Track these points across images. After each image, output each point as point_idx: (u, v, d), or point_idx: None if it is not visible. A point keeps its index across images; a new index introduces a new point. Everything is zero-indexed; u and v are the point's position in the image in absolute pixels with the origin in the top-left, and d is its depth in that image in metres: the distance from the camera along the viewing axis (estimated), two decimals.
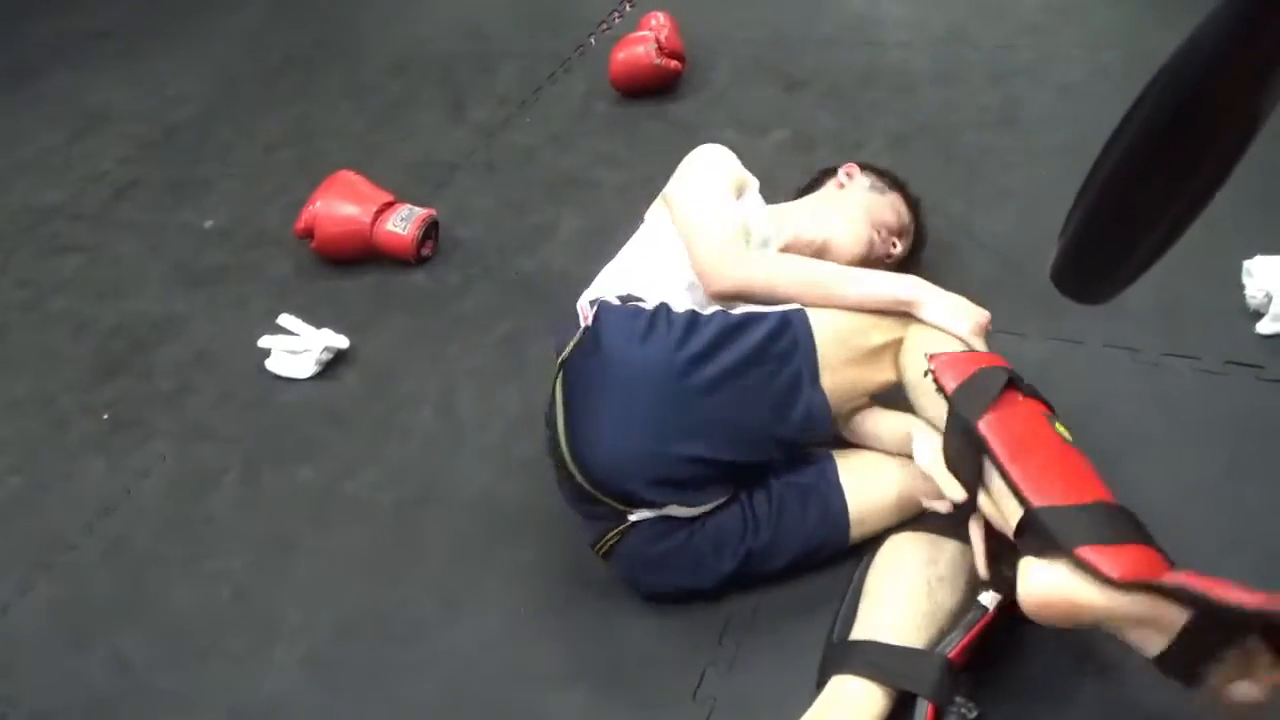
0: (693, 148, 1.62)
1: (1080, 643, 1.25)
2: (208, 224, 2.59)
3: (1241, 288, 1.65)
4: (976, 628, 1.20)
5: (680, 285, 1.44)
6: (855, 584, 1.29)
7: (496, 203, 2.42)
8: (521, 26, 3.33)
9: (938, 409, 1.24)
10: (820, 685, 1.20)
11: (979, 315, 1.34)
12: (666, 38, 2.64)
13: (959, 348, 1.29)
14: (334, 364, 2.01)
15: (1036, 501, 1.07)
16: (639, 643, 1.39)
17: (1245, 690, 0.98)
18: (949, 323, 1.32)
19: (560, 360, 1.37)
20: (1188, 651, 0.99)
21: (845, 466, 1.38)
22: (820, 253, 1.63)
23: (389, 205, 2.25)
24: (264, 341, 2.03)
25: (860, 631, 1.22)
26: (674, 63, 2.64)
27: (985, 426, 1.14)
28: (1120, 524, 1.06)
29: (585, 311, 1.38)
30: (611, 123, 2.63)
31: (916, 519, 1.32)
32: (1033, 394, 1.21)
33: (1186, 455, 1.44)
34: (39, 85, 3.54)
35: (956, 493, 1.18)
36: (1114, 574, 1.00)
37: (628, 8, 3.17)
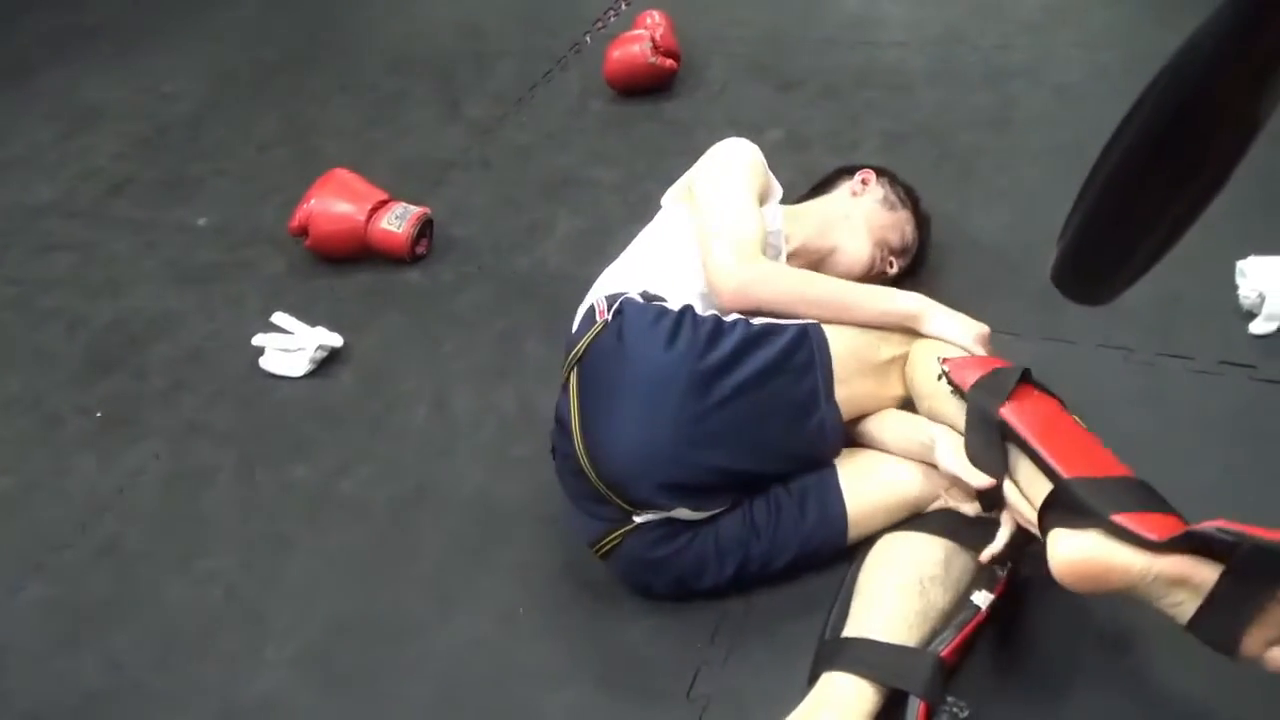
0: (689, 146, 1.63)
1: (1073, 642, 1.26)
2: (201, 222, 2.58)
3: (1235, 288, 1.65)
4: (969, 627, 1.21)
5: (698, 289, 1.43)
6: (848, 583, 1.29)
7: (492, 201, 2.41)
8: (517, 25, 3.32)
9: (951, 414, 1.26)
10: (812, 683, 1.20)
11: (980, 328, 1.37)
12: (662, 36, 2.64)
13: (959, 354, 1.32)
14: (328, 362, 2.00)
15: (1067, 473, 1.09)
16: (633, 642, 1.39)
17: None
18: (952, 335, 1.35)
19: (575, 355, 1.36)
20: (1223, 609, 0.99)
21: (844, 469, 1.38)
22: (824, 262, 1.64)
23: (384, 203, 2.24)
24: (258, 340, 2.02)
25: (852, 629, 1.22)
26: (669, 61, 2.64)
27: (1008, 412, 1.17)
28: (1147, 495, 1.09)
29: (601, 306, 1.38)
30: (607, 121, 2.63)
31: (914, 518, 1.33)
32: (1045, 389, 1.23)
33: (1180, 455, 1.44)
34: (32, 81, 3.53)
35: (982, 480, 1.19)
36: (1152, 535, 1.01)
37: (623, 6, 3.16)
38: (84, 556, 1.70)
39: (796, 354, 1.31)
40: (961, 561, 1.26)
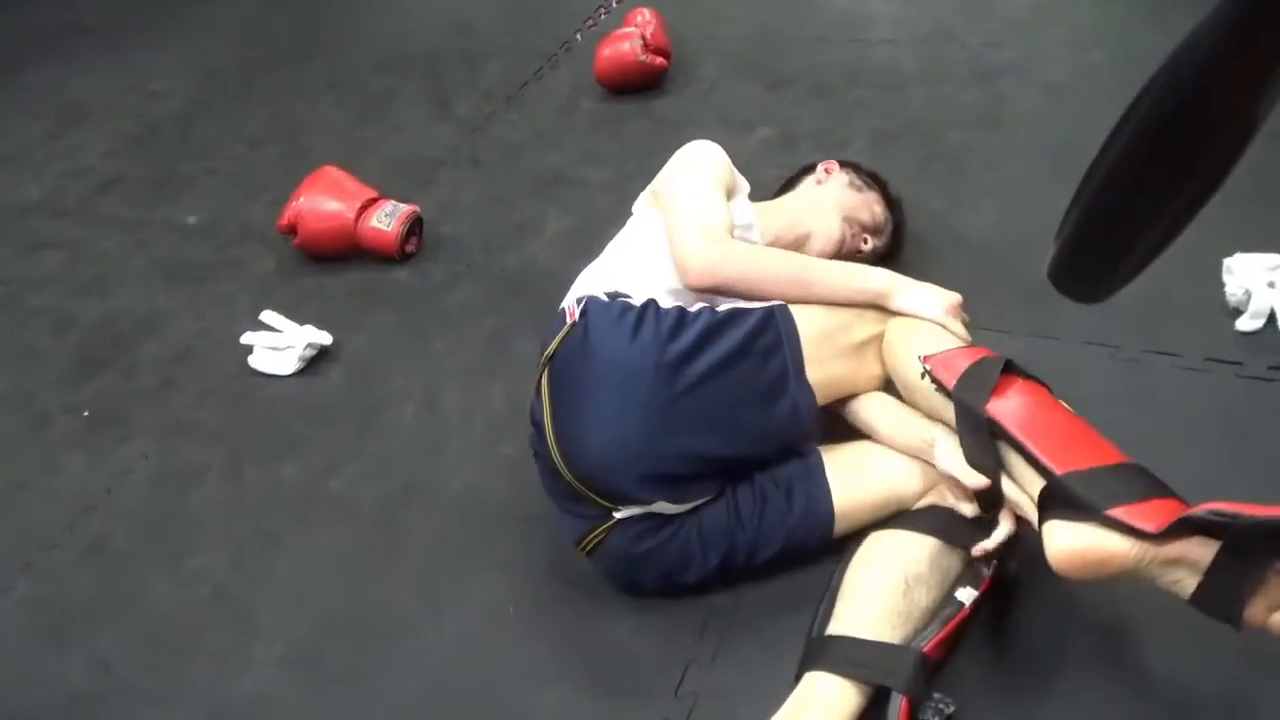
0: (678, 144, 1.62)
1: (1059, 639, 1.26)
2: (190, 220, 2.57)
3: (1221, 285, 1.66)
4: (953, 623, 1.21)
5: (665, 286, 1.44)
6: (834, 581, 1.29)
7: (481, 199, 2.41)
8: (507, 23, 3.32)
9: (939, 408, 1.27)
10: (797, 682, 1.20)
11: (950, 298, 1.38)
12: (652, 34, 2.64)
13: (940, 335, 1.32)
14: (317, 361, 2.00)
15: (1060, 469, 1.10)
16: (621, 639, 1.39)
17: None
18: (921, 308, 1.36)
19: (546, 356, 1.36)
20: (1223, 582, 1.01)
21: (831, 461, 1.38)
22: (795, 248, 1.64)
23: (373, 201, 2.24)
24: (246, 338, 2.02)
25: (836, 628, 1.22)
26: (659, 59, 2.64)
27: (994, 410, 1.18)
28: (1142, 481, 1.09)
29: (571, 309, 1.38)
30: (597, 119, 2.63)
31: (899, 517, 1.33)
32: (1029, 376, 1.24)
33: (1166, 452, 1.43)
34: (19, 78, 3.51)
35: (979, 481, 1.19)
36: (1150, 528, 1.03)
37: (614, 4, 3.16)
38: (72, 556, 1.69)
39: (762, 336, 1.31)
40: (948, 560, 1.26)
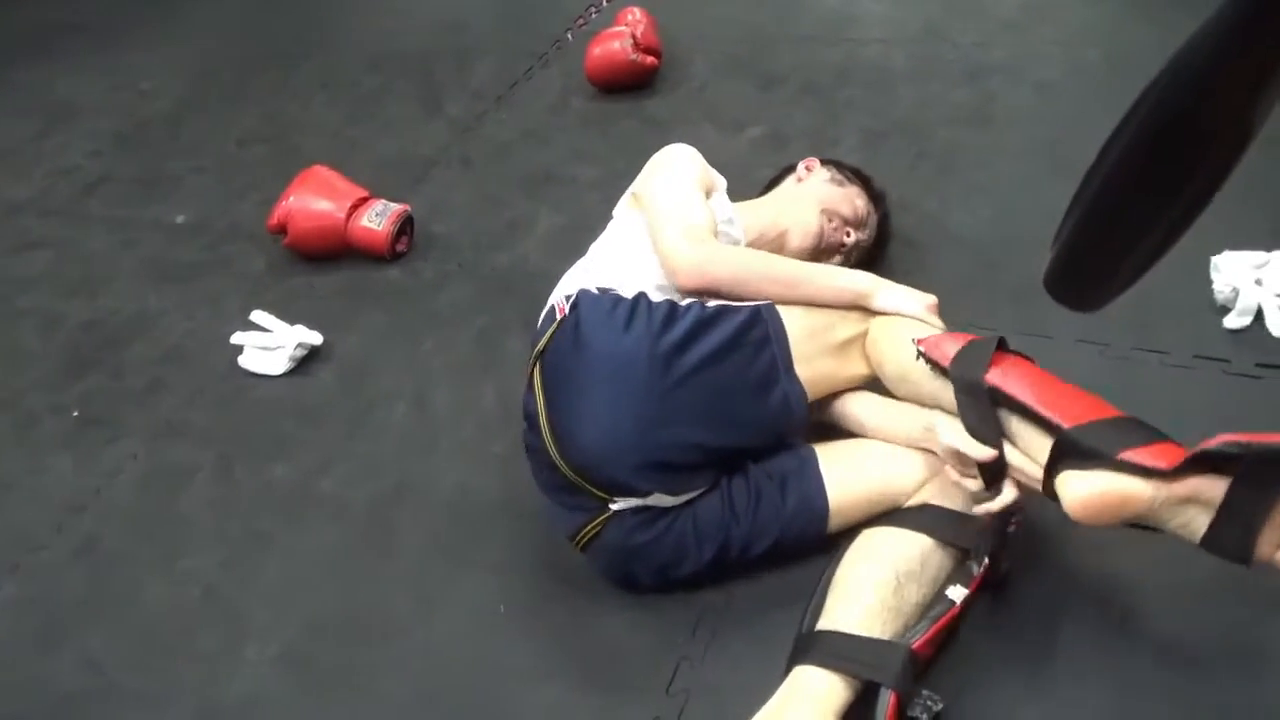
0: (669, 144, 1.63)
1: (1048, 637, 1.27)
2: (179, 219, 2.56)
3: (1209, 283, 1.67)
4: (942, 620, 1.21)
5: (652, 282, 1.45)
6: (826, 577, 1.29)
7: (472, 198, 2.41)
8: (498, 22, 3.32)
9: (935, 394, 1.28)
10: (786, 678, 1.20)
11: (929, 298, 1.41)
12: (643, 33, 2.64)
13: (922, 327, 1.35)
14: (308, 360, 1.99)
15: (1068, 423, 1.13)
16: (613, 637, 1.39)
17: None
18: (901, 307, 1.39)
19: (537, 351, 1.37)
20: (1234, 519, 1.03)
21: (826, 457, 1.39)
22: (778, 244, 1.66)
23: (363, 201, 2.23)
24: (236, 338, 2.01)
25: (825, 623, 1.22)
26: (650, 59, 2.64)
27: (993, 378, 1.20)
28: (1145, 429, 1.12)
29: (561, 304, 1.39)
30: (588, 118, 2.62)
31: (893, 514, 1.33)
32: (1020, 354, 1.26)
33: None
34: (8, 77, 3.50)
35: (986, 452, 1.20)
36: (1163, 465, 1.05)
37: (604, 3, 3.16)
38: (61, 557, 1.69)
39: (751, 331, 1.34)
40: (939, 558, 1.26)
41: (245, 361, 2.00)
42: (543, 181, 2.40)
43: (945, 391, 1.26)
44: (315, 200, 2.21)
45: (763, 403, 1.33)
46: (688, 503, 1.36)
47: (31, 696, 1.48)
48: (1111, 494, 1.08)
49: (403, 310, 2.09)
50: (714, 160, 1.65)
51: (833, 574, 1.28)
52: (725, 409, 1.32)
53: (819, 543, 1.37)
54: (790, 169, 1.83)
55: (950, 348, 1.26)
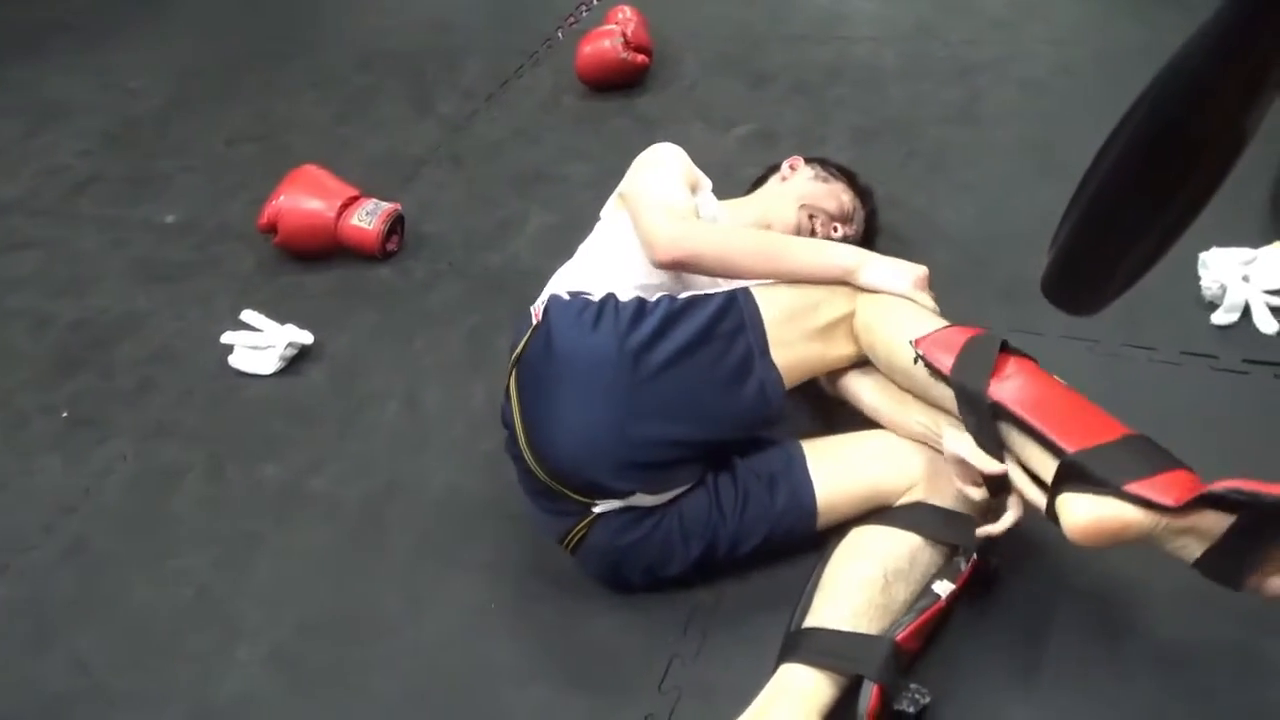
0: (659, 141, 1.63)
1: (1036, 632, 1.27)
2: (169, 219, 2.56)
3: (1197, 279, 1.68)
4: (928, 613, 1.22)
5: (630, 283, 1.44)
6: (815, 575, 1.29)
7: (463, 197, 2.41)
8: (489, 20, 3.31)
9: (936, 395, 1.27)
10: None
11: (916, 270, 1.38)
12: (633, 32, 2.64)
13: (912, 311, 1.32)
14: (298, 360, 1.99)
15: (1072, 448, 1.12)
16: (604, 636, 1.39)
17: None
18: (888, 283, 1.36)
19: (514, 359, 1.37)
20: (1231, 554, 1.04)
21: (813, 454, 1.39)
22: None
23: (354, 200, 2.23)
24: (227, 338, 2.01)
25: (813, 620, 1.23)
26: (641, 57, 2.64)
27: (996, 392, 1.18)
28: (1153, 452, 1.12)
29: (538, 310, 1.39)
30: (578, 117, 2.62)
31: (882, 512, 1.33)
32: (1020, 352, 1.25)
33: None
34: None
35: (993, 467, 1.20)
36: (1170, 502, 1.05)
37: (595, 2, 3.16)
38: (50, 557, 1.68)
39: (724, 320, 1.32)
40: (929, 556, 1.27)
41: (235, 361, 1.99)
42: (534, 180, 2.40)
43: (946, 394, 1.25)
44: (306, 199, 2.21)
45: (738, 394, 1.31)
46: (674, 501, 1.36)
47: (22, 698, 1.47)
48: (1111, 521, 1.08)
49: (393, 309, 2.09)
50: (704, 158, 1.65)
51: (822, 572, 1.29)
52: (699, 402, 1.31)
53: (808, 540, 1.37)
54: (775, 168, 1.83)
55: (947, 357, 1.24)
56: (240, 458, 1.80)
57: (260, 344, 1.97)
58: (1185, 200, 0.84)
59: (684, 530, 1.36)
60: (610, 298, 1.36)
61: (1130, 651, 1.24)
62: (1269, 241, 1.69)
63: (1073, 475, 1.11)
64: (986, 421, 1.19)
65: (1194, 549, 1.07)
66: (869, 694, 1.14)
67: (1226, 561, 1.05)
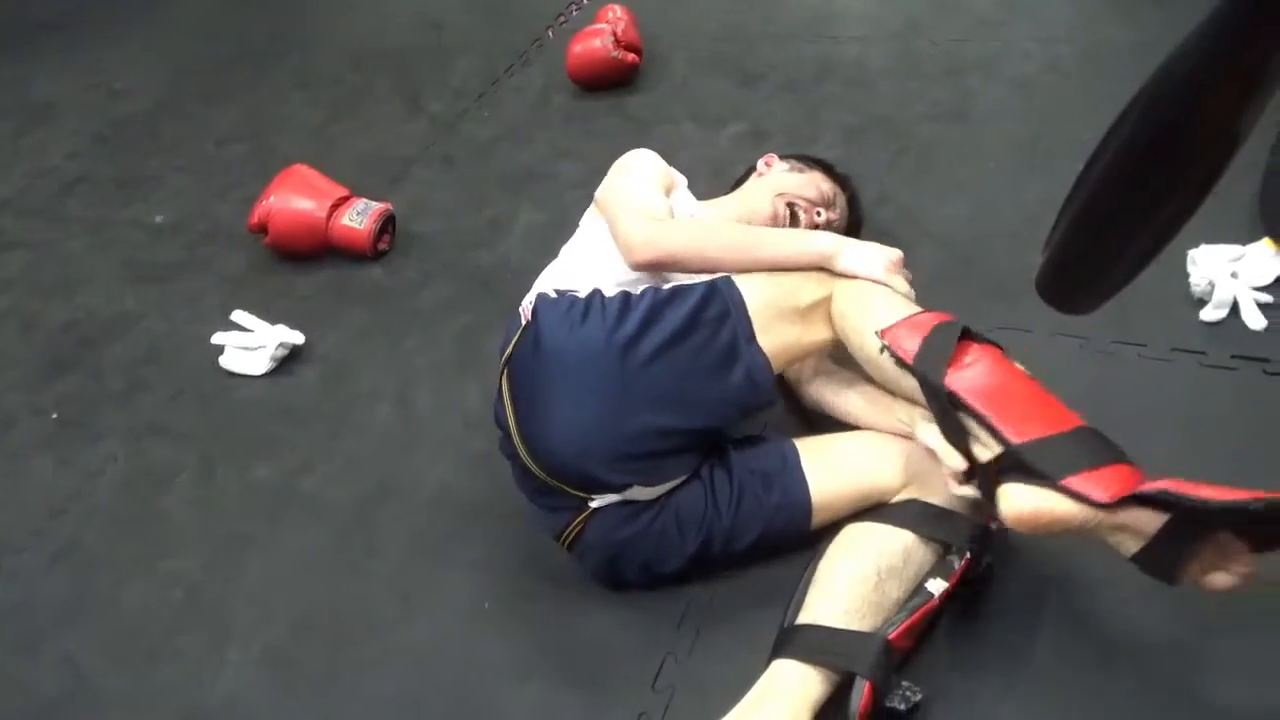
0: (651, 140, 1.64)
1: (1029, 628, 1.28)
2: (158, 219, 2.55)
3: (1186, 276, 1.69)
4: (920, 611, 1.22)
5: (612, 279, 1.45)
6: (808, 572, 1.29)
7: (454, 196, 2.40)
8: (478, 19, 3.31)
9: (905, 385, 1.28)
10: None
11: (892, 254, 1.38)
12: (623, 31, 2.64)
13: (887, 298, 1.33)
14: (289, 360, 1.99)
15: (1016, 439, 1.14)
16: (598, 633, 1.39)
17: (1221, 580, 1.06)
18: (864, 268, 1.36)
19: (504, 359, 1.37)
20: (1164, 551, 1.06)
21: (808, 453, 1.39)
22: None
23: (344, 199, 2.22)
24: (217, 338, 2.00)
25: (806, 617, 1.23)
26: (631, 56, 2.64)
27: (952, 381, 1.19)
28: (1097, 446, 1.13)
29: (526, 310, 1.40)
30: (569, 116, 2.62)
31: (876, 510, 1.34)
32: (986, 340, 1.26)
33: (1133, 440, 1.46)
34: None
35: (956, 461, 1.20)
36: (1103, 498, 1.07)
37: (585, 1, 3.16)
38: (41, 559, 1.67)
39: (709, 308, 1.33)
40: (922, 554, 1.27)
41: (226, 362, 1.99)
42: (524, 179, 2.40)
43: (914, 384, 1.25)
44: (296, 199, 2.20)
45: (726, 379, 1.32)
46: (669, 496, 1.37)
47: (12, 700, 1.47)
48: (1045, 514, 1.11)
49: (384, 309, 2.09)
50: (695, 157, 1.66)
51: (815, 569, 1.29)
52: (689, 390, 1.32)
53: (803, 538, 1.37)
54: (753, 168, 1.84)
55: (912, 343, 1.25)
56: (231, 458, 1.80)
57: (251, 344, 1.97)
58: (1179, 200, 0.84)
59: (680, 525, 1.36)
60: (596, 294, 1.37)
61: (1122, 650, 1.25)
62: (1257, 238, 1.70)
63: (1014, 466, 1.13)
64: (948, 411, 1.21)
65: (1130, 545, 1.09)
66: (861, 691, 1.14)
67: (1160, 558, 1.07)
